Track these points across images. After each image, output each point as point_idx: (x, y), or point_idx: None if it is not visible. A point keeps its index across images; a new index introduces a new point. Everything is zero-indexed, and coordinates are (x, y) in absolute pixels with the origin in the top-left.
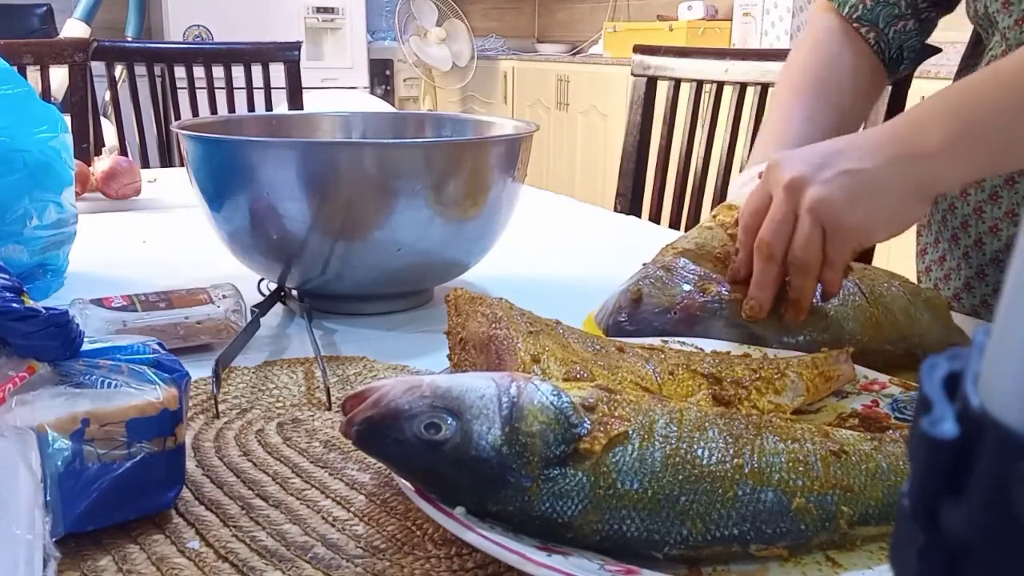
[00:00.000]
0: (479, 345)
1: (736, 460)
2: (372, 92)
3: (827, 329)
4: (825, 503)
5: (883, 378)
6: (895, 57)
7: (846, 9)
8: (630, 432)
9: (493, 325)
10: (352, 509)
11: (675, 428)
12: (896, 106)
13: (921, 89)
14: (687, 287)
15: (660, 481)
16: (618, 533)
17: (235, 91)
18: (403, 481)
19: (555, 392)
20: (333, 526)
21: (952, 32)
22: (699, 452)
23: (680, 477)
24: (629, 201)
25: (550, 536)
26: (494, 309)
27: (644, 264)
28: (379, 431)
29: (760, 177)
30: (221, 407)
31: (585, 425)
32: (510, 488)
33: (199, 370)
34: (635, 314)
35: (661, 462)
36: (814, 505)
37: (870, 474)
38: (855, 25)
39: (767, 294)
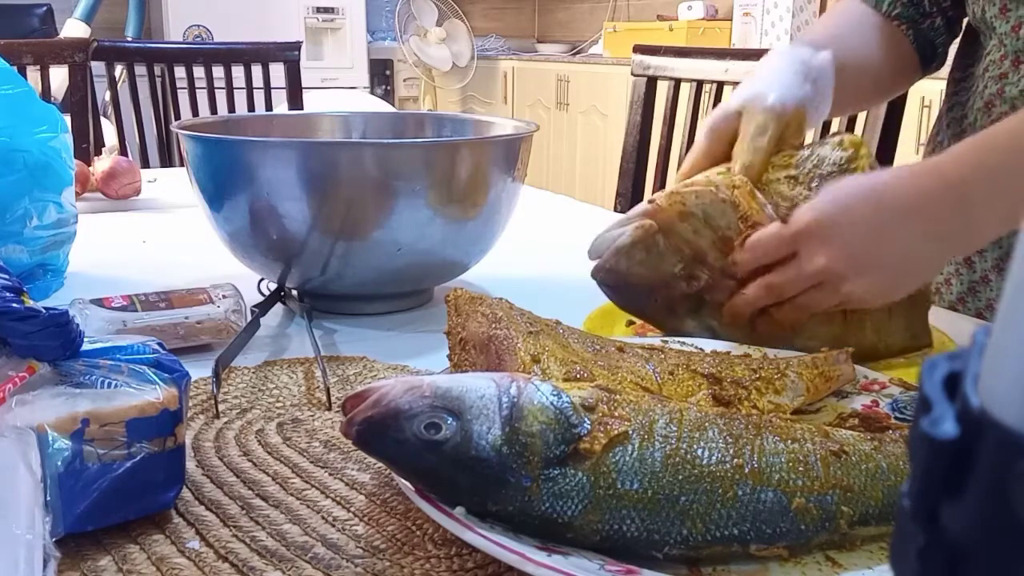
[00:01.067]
0: (479, 345)
1: (736, 460)
2: (372, 92)
3: (794, 339)
4: (825, 503)
5: (883, 378)
6: (928, 55)
7: (884, 7)
8: (630, 432)
9: (493, 325)
10: (352, 509)
11: (675, 428)
12: (897, 103)
13: (921, 89)
14: (677, 267)
15: (660, 481)
16: (618, 533)
17: (235, 91)
18: (403, 481)
19: (555, 392)
20: (333, 526)
21: None
22: (699, 452)
23: (680, 477)
24: (629, 201)
25: (550, 536)
26: (494, 309)
27: (649, 201)
28: (379, 431)
29: (778, 216)
30: (221, 407)
31: (585, 425)
32: (510, 488)
33: (199, 370)
34: (620, 285)
35: (661, 462)
36: (814, 505)
37: (870, 474)
38: (894, 22)
39: (750, 312)
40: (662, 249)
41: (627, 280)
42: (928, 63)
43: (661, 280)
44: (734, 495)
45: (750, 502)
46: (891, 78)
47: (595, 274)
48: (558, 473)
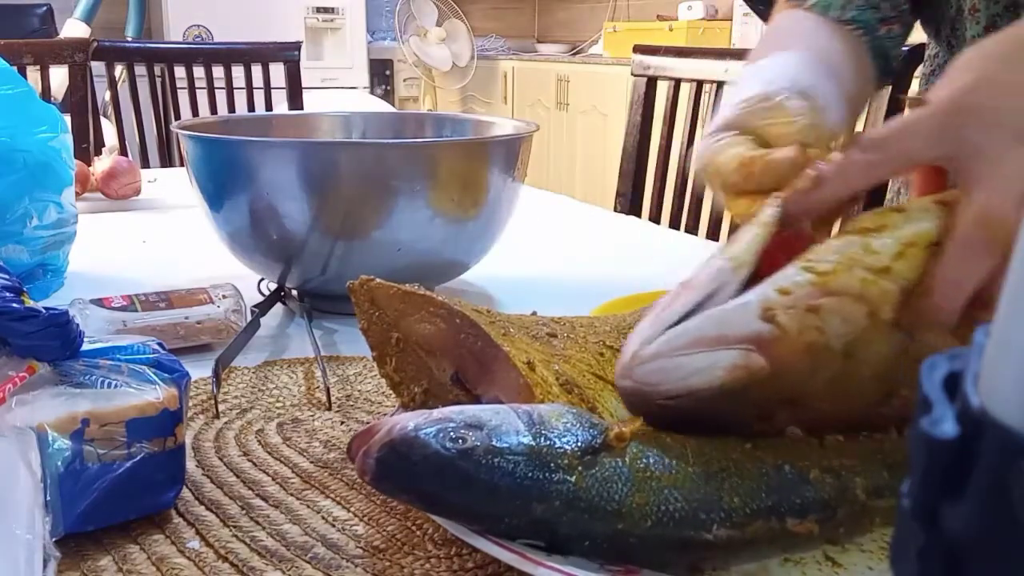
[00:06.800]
0: (439, 350)
1: (747, 444)
2: (372, 92)
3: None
4: (838, 473)
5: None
6: (882, 66)
7: (834, 11)
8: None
9: (459, 327)
10: (352, 509)
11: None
12: (894, 108)
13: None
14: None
15: (688, 460)
16: (667, 515)
17: (235, 91)
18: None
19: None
20: (333, 526)
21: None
22: (708, 439)
23: (704, 458)
24: (629, 201)
25: (600, 534)
26: (437, 304)
27: (767, 310)
28: (404, 450)
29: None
30: (221, 407)
31: (601, 424)
32: (554, 482)
33: (199, 370)
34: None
35: (679, 449)
36: (829, 476)
37: (872, 451)
38: (848, 26)
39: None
40: (755, 398)
41: (676, 410)
42: (881, 75)
43: (727, 420)
44: (758, 469)
45: (774, 475)
46: (860, 87)
47: (621, 381)
48: (596, 460)
